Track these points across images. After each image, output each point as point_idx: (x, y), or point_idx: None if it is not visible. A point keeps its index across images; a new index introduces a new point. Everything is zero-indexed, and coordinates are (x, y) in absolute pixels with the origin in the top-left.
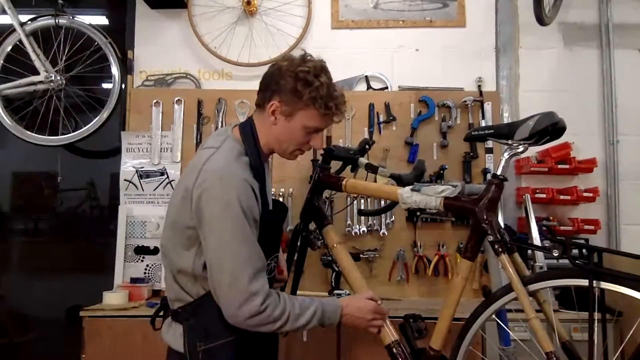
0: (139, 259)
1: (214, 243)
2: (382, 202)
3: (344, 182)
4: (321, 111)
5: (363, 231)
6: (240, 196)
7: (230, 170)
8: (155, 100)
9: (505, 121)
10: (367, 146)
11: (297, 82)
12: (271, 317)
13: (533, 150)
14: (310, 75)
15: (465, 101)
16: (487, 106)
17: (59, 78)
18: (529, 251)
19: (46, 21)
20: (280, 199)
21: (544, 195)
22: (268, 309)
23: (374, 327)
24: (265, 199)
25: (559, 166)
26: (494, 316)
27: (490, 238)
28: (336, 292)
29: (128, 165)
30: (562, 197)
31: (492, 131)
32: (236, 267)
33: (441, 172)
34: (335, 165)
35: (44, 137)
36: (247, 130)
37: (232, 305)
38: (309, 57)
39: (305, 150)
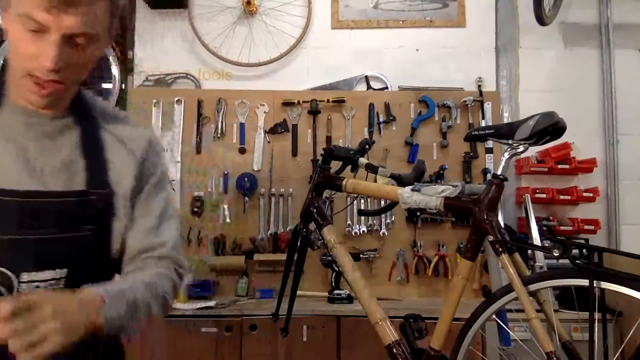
0: None
1: None
2: (382, 202)
3: (344, 182)
4: None
5: (363, 231)
6: None
7: None
8: (155, 100)
9: (505, 121)
10: (367, 146)
11: None
12: None
13: (533, 150)
14: None
15: (465, 101)
16: (487, 106)
17: None
18: (529, 251)
19: None
20: (281, 199)
21: (544, 195)
22: None
23: None
24: None
25: (559, 166)
26: (494, 316)
27: (491, 238)
28: (336, 292)
29: None
30: (562, 197)
31: (492, 131)
32: None
33: (441, 172)
34: (335, 165)
35: None
36: None
37: None
38: None
39: (39, 76)
